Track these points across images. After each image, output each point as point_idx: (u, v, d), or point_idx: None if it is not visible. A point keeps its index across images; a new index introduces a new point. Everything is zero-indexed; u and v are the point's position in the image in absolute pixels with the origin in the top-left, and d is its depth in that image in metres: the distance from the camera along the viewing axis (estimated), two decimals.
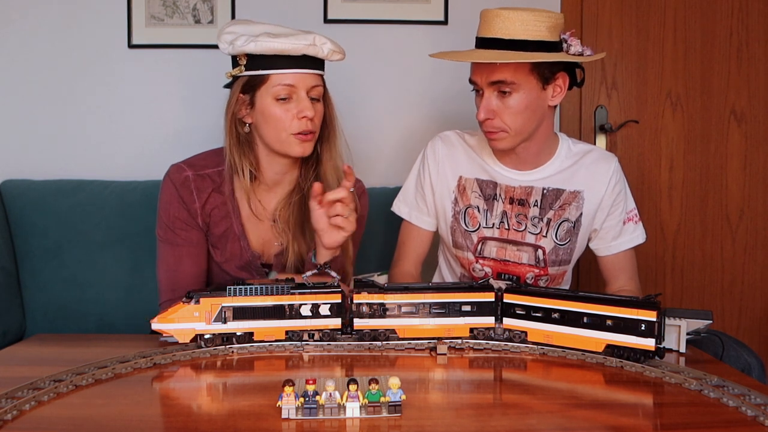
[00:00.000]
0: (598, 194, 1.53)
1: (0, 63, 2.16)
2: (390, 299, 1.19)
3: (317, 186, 1.29)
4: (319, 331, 1.18)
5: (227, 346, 1.16)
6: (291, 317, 1.18)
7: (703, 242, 2.35)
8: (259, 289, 1.16)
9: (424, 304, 1.20)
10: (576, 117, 2.32)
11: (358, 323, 1.19)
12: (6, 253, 1.95)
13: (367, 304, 1.19)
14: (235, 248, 1.46)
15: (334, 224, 1.29)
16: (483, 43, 1.41)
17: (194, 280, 1.44)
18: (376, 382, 0.88)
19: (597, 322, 1.12)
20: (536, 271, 1.55)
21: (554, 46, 1.40)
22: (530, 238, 1.54)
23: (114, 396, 0.95)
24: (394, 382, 0.88)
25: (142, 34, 2.16)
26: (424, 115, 2.25)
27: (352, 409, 0.86)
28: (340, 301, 1.18)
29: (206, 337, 1.16)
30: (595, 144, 2.20)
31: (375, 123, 2.23)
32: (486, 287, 1.21)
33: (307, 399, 0.86)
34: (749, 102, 2.31)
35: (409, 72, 2.24)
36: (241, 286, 1.16)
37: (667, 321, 1.20)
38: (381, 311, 1.19)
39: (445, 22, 2.20)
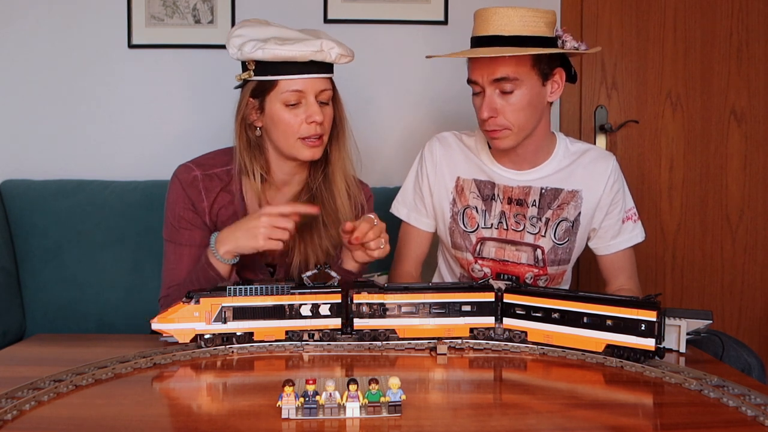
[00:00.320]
0: (596, 193, 1.53)
1: (0, 63, 2.16)
2: (390, 299, 1.19)
3: (348, 226, 1.30)
4: (319, 331, 1.18)
5: (227, 346, 1.16)
6: (291, 317, 1.18)
7: (703, 242, 2.35)
8: (259, 289, 1.16)
9: (424, 304, 1.20)
10: (576, 117, 2.32)
11: (358, 323, 1.19)
12: (6, 253, 1.95)
13: (367, 304, 1.19)
14: None
15: (370, 255, 1.32)
16: (482, 41, 1.41)
17: None
18: (376, 382, 0.88)
19: (597, 322, 1.12)
20: (535, 270, 1.55)
21: (552, 42, 1.42)
22: (529, 238, 1.54)
23: (114, 396, 0.95)
24: (394, 382, 0.88)
25: (142, 34, 2.16)
26: (424, 115, 2.25)
27: (352, 409, 0.86)
28: (340, 301, 1.18)
29: (206, 337, 1.16)
30: (595, 144, 2.20)
31: (375, 123, 2.23)
32: (486, 287, 1.21)
33: (307, 399, 0.86)
34: (749, 102, 2.32)
35: (409, 72, 2.24)
36: (241, 286, 1.16)
37: (667, 321, 1.20)
38: (381, 311, 1.19)
39: (445, 22, 2.20)
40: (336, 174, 1.47)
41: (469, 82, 1.45)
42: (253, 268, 1.47)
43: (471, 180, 1.57)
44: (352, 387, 0.86)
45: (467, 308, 1.20)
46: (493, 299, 1.20)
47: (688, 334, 1.22)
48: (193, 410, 0.94)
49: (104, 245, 1.96)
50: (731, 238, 2.35)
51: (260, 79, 1.37)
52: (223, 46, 2.18)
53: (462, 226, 1.57)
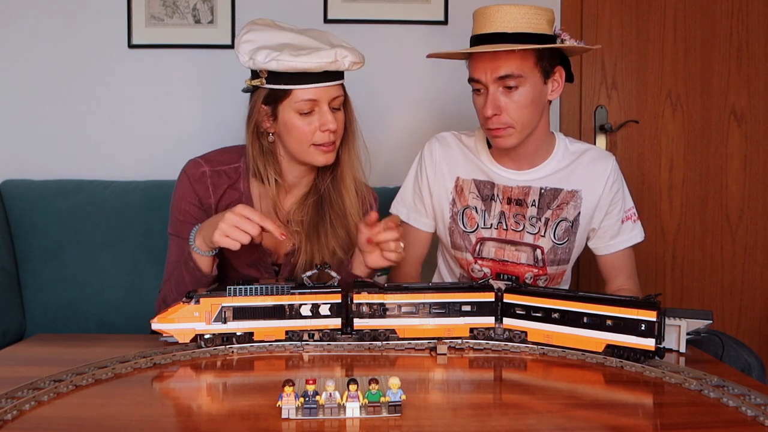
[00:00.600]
0: (595, 193, 1.53)
1: (0, 63, 2.16)
2: (390, 299, 1.19)
3: (373, 215, 1.30)
4: (319, 331, 1.18)
5: (227, 346, 1.16)
6: (291, 317, 1.18)
7: (703, 242, 2.36)
8: (259, 289, 1.16)
9: (424, 304, 1.20)
10: (576, 117, 2.32)
11: (358, 323, 1.19)
12: (6, 253, 1.95)
13: (367, 304, 1.19)
14: (246, 245, 1.46)
15: (386, 257, 1.31)
16: (485, 38, 1.41)
17: None
18: (376, 382, 0.88)
19: (597, 322, 1.12)
20: (535, 270, 1.55)
21: (552, 40, 1.43)
22: (528, 238, 1.54)
23: (114, 396, 0.95)
24: (394, 382, 0.88)
25: (142, 34, 2.16)
26: (424, 115, 2.25)
27: (352, 409, 0.86)
28: (340, 301, 1.18)
29: (206, 337, 1.16)
30: (595, 144, 2.20)
31: (375, 123, 2.22)
32: (486, 287, 1.21)
33: (307, 399, 0.86)
34: (749, 102, 2.32)
35: (409, 72, 2.24)
36: (241, 286, 1.16)
37: (667, 321, 1.20)
38: (381, 311, 1.19)
39: (445, 22, 2.20)
40: (345, 175, 1.47)
41: (471, 80, 1.45)
42: (258, 268, 1.48)
43: (470, 180, 1.57)
44: (352, 387, 0.86)
45: (467, 308, 1.20)
46: (493, 299, 1.20)
47: (688, 334, 1.22)
48: (193, 410, 0.94)
49: (104, 245, 1.96)
50: (731, 238, 2.35)
51: (273, 87, 1.37)
52: (223, 46, 2.21)
53: (461, 226, 1.57)
